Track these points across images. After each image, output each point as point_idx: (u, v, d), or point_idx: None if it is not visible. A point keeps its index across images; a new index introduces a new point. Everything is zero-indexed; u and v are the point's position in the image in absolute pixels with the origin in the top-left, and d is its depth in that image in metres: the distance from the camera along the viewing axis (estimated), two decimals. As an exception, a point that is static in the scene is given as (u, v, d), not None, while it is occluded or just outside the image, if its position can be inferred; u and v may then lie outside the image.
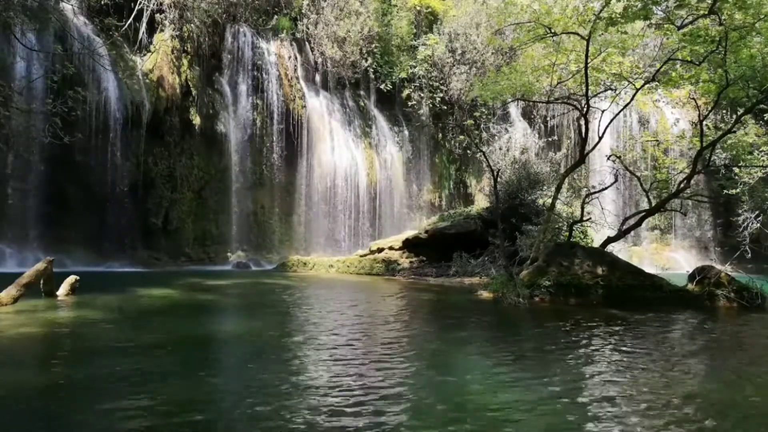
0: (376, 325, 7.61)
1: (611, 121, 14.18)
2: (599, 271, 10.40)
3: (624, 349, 6.08)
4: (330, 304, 10.14)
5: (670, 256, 26.30)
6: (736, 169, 17.44)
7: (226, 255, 20.95)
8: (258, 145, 22.37)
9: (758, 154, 17.02)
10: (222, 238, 21.41)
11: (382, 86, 26.20)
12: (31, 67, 16.51)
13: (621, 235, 12.91)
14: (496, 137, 23.55)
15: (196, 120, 20.76)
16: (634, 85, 13.11)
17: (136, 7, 19.56)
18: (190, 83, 20.81)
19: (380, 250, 18.76)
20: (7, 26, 15.18)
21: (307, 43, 24.66)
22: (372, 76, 26.18)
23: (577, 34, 12.33)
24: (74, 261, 16.42)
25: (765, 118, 18.64)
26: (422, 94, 26.84)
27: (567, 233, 13.44)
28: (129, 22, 19.15)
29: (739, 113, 12.55)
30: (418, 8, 27.75)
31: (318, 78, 25.10)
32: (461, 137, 27.32)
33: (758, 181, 17.70)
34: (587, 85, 12.28)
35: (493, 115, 27.31)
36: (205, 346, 5.99)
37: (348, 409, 3.70)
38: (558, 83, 14.09)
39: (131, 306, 8.71)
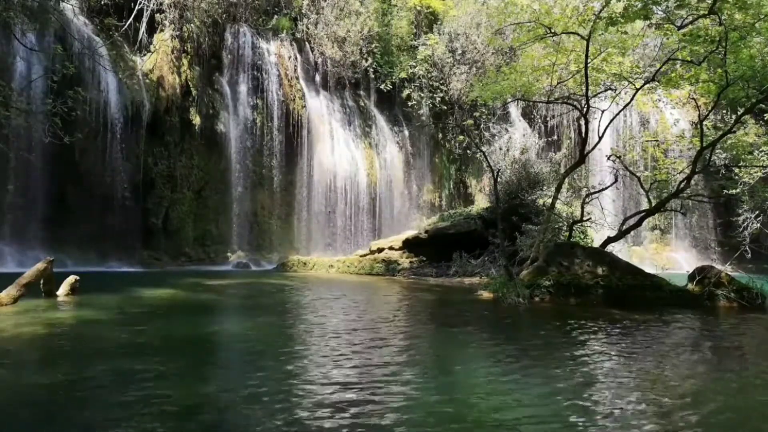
0: (377, 325, 7.61)
1: (611, 121, 14.17)
2: (599, 271, 10.39)
3: (624, 349, 6.08)
4: (330, 304, 10.14)
5: (670, 256, 26.30)
6: (736, 169, 17.42)
7: (226, 255, 20.96)
8: (258, 145, 22.37)
9: (758, 154, 17.01)
10: (222, 238, 21.41)
11: (382, 86, 26.21)
12: (31, 67, 16.52)
13: (621, 235, 12.91)
14: (496, 137, 23.57)
15: (196, 120, 20.76)
16: (634, 85, 13.10)
17: (136, 7, 19.58)
18: (190, 83, 20.82)
19: (380, 250, 18.77)
20: (7, 26, 15.18)
21: (307, 43, 24.67)
22: (372, 76, 26.19)
23: (577, 34, 12.33)
24: (74, 261, 16.42)
25: (765, 118, 18.64)
26: (422, 94, 26.84)
27: (567, 233, 13.44)
28: (129, 22, 19.17)
29: (739, 113, 12.53)
30: (418, 8, 27.76)
31: (318, 78, 25.11)
32: (461, 137, 27.33)
33: (758, 181, 17.68)
34: (587, 85, 12.28)
35: (493, 115, 27.32)
36: (206, 347, 5.99)
37: (347, 411, 3.70)
38: (558, 83, 14.09)
39: (131, 306, 8.71)
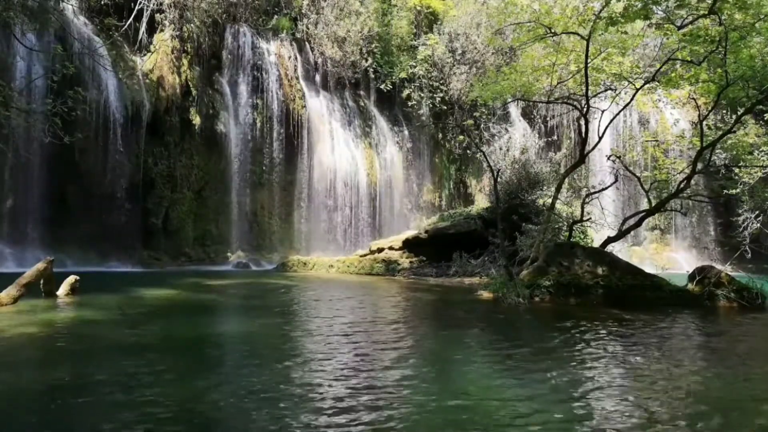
0: (376, 325, 7.61)
1: (611, 121, 14.17)
2: (599, 271, 10.39)
3: (624, 349, 6.08)
4: (330, 304, 10.14)
5: (670, 256, 26.29)
6: (736, 169, 17.42)
7: (226, 255, 20.96)
8: (258, 145, 22.37)
9: (758, 154, 17.00)
10: (222, 238, 21.41)
11: (382, 86, 26.20)
12: (31, 67, 16.52)
13: (621, 235, 12.90)
14: (496, 137, 23.57)
15: (196, 120, 20.76)
16: (634, 85, 13.10)
17: (136, 7, 19.58)
18: (190, 83, 20.82)
19: (380, 250, 18.76)
20: (7, 26, 15.19)
21: (307, 43, 24.67)
22: (372, 76, 26.18)
23: (577, 34, 12.33)
24: (74, 261, 16.42)
25: (765, 118, 18.62)
26: (422, 94, 26.84)
27: (567, 233, 13.44)
28: (129, 22, 19.17)
29: (739, 113, 12.53)
30: (418, 8, 27.75)
31: (318, 78, 25.11)
32: (461, 137, 27.33)
33: (758, 181, 17.68)
34: (587, 85, 12.28)
35: (493, 115, 27.32)
36: (206, 347, 5.99)
37: (347, 412, 3.69)
38: (558, 83, 14.08)
39: (131, 306, 8.71)
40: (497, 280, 11.46)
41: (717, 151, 14.97)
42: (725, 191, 19.11)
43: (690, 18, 11.63)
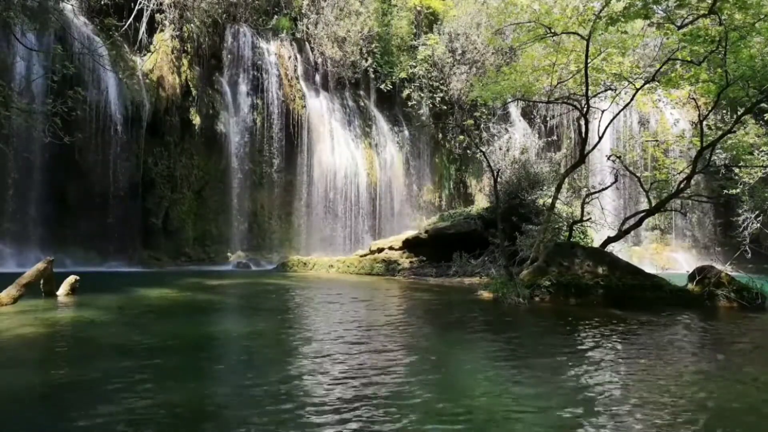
0: (376, 326, 7.61)
1: (611, 121, 14.17)
2: (599, 271, 10.39)
3: (624, 349, 6.08)
4: (330, 304, 10.14)
5: (670, 256, 26.29)
6: (736, 169, 17.41)
7: (226, 255, 20.96)
8: (258, 145, 22.37)
9: (758, 154, 17.00)
10: (222, 238, 21.42)
11: (382, 86, 26.20)
12: (31, 67, 16.52)
13: (621, 235, 12.90)
14: (496, 137, 23.55)
15: (196, 120, 20.76)
16: (634, 85, 13.10)
17: (136, 7, 19.58)
18: (190, 83, 20.82)
19: (380, 250, 18.76)
20: (7, 26, 15.19)
21: (307, 43, 24.67)
22: (372, 76, 26.18)
23: (577, 34, 12.33)
24: (74, 261, 16.43)
25: (765, 118, 18.61)
26: (422, 94, 26.84)
27: (567, 233, 13.44)
28: (129, 22, 19.17)
29: (739, 113, 12.53)
30: (418, 8, 27.75)
31: (318, 78, 25.10)
32: (461, 137, 27.32)
33: (758, 181, 17.68)
34: (587, 85, 12.28)
35: (493, 115, 27.32)
36: (206, 348, 5.98)
37: (347, 413, 3.69)
38: (558, 83, 14.07)
39: (131, 306, 8.71)
40: (497, 280, 11.46)
41: (717, 151, 14.96)
42: (725, 191, 19.11)
43: (690, 18, 11.63)
